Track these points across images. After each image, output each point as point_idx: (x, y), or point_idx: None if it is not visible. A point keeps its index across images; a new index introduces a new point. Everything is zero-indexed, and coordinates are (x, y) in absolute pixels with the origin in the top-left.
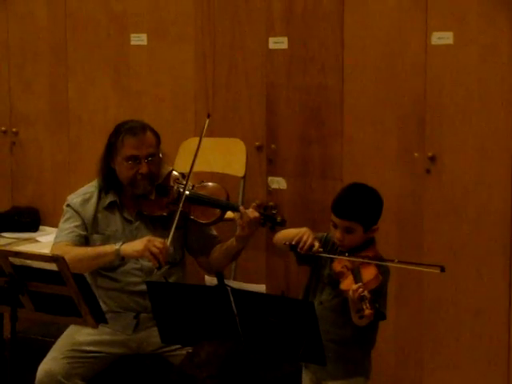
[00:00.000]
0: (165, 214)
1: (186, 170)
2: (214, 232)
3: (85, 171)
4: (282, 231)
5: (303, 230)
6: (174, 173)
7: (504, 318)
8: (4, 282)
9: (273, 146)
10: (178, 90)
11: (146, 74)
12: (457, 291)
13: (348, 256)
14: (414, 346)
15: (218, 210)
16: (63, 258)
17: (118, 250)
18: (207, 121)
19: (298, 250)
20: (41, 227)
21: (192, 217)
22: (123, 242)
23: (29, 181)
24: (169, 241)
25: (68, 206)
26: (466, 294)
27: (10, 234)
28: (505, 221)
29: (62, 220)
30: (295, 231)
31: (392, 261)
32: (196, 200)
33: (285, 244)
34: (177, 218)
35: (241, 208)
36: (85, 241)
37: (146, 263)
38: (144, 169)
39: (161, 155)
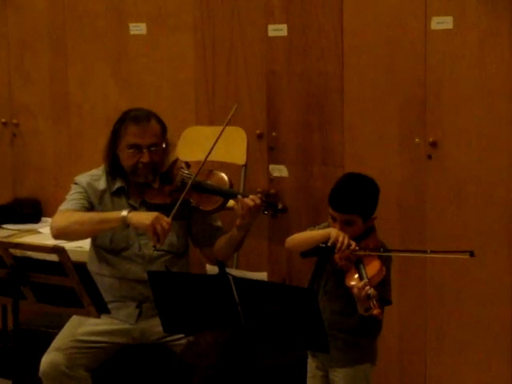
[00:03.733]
0: (168, 202)
1: (188, 158)
2: (219, 223)
3: (86, 161)
4: (297, 235)
5: (333, 230)
6: (179, 162)
7: (507, 304)
8: (5, 273)
9: (274, 133)
10: (178, 79)
11: (145, 63)
12: (460, 277)
13: (381, 251)
14: (417, 333)
15: (220, 198)
16: (64, 249)
17: (124, 218)
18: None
19: (336, 251)
20: (43, 218)
21: (194, 204)
22: (131, 210)
23: (30, 172)
24: (172, 213)
25: (75, 183)
26: (469, 280)
27: (12, 225)
28: (507, 206)
29: (68, 194)
30: (320, 232)
31: (425, 252)
32: (198, 187)
33: (321, 247)
34: (177, 206)
35: (240, 195)
36: None
37: (148, 251)
38: (145, 158)
39: (164, 145)
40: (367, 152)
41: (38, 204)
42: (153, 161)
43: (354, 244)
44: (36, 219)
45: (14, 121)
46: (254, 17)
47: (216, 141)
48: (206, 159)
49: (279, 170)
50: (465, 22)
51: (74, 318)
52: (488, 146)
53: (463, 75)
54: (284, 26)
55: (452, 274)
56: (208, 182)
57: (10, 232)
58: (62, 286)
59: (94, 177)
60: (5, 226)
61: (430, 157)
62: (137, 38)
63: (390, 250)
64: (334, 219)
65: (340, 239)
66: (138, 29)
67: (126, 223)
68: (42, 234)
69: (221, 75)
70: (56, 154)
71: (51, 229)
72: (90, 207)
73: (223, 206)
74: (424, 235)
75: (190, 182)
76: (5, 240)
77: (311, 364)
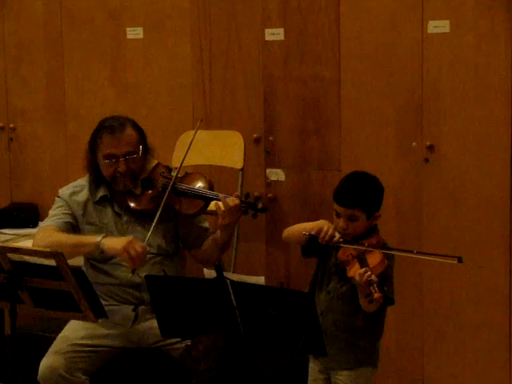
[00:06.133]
0: (151, 207)
1: (185, 162)
2: (206, 224)
3: (83, 166)
4: (294, 226)
5: (322, 221)
6: (160, 166)
7: (504, 307)
8: (3, 278)
9: (271, 137)
10: (174, 83)
11: (142, 67)
12: (456, 280)
13: (367, 246)
14: (415, 336)
15: (201, 201)
16: (62, 254)
17: (98, 243)
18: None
19: (319, 240)
20: (40, 223)
21: (176, 208)
22: (105, 236)
23: (27, 177)
24: (148, 235)
25: (58, 197)
26: (466, 284)
27: (10, 230)
28: (504, 209)
29: (51, 208)
30: (311, 223)
31: (411, 252)
32: (179, 192)
33: (304, 235)
34: (160, 211)
35: (221, 196)
36: (72, 228)
37: None
38: (122, 167)
39: (141, 152)
40: (364, 156)
41: (35, 208)
42: (130, 169)
43: (337, 236)
44: (33, 224)
45: (11, 125)
46: (251, 21)
47: (189, 147)
48: (181, 163)
49: (276, 174)
50: (461, 26)
51: (72, 322)
52: (485, 150)
53: (460, 79)
54: (281, 30)
55: (448, 277)
56: (188, 185)
57: (8, 236)
58: (60, 290)
59: (77, 188)
60: (2, 230)
61: (427, 160)
62: (134, 42)
63: (376, 247)
64: (338, 215)
65: (325, 229)
66: (134, 33)
67: (99, 249)
68: None
69: (217, 79)
70: (53, 159)
71: (33, 246)
72: (74, 221)
73: (205, 209)
74: (421, 238)
75: (168, 188)
76: (2, 244)
77: (313, 367)
